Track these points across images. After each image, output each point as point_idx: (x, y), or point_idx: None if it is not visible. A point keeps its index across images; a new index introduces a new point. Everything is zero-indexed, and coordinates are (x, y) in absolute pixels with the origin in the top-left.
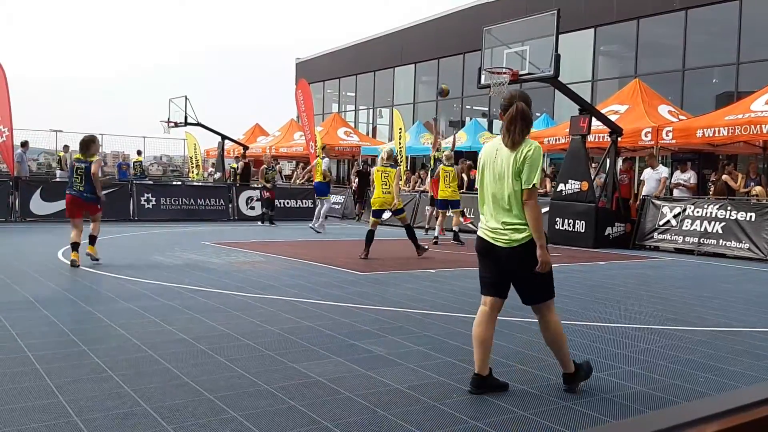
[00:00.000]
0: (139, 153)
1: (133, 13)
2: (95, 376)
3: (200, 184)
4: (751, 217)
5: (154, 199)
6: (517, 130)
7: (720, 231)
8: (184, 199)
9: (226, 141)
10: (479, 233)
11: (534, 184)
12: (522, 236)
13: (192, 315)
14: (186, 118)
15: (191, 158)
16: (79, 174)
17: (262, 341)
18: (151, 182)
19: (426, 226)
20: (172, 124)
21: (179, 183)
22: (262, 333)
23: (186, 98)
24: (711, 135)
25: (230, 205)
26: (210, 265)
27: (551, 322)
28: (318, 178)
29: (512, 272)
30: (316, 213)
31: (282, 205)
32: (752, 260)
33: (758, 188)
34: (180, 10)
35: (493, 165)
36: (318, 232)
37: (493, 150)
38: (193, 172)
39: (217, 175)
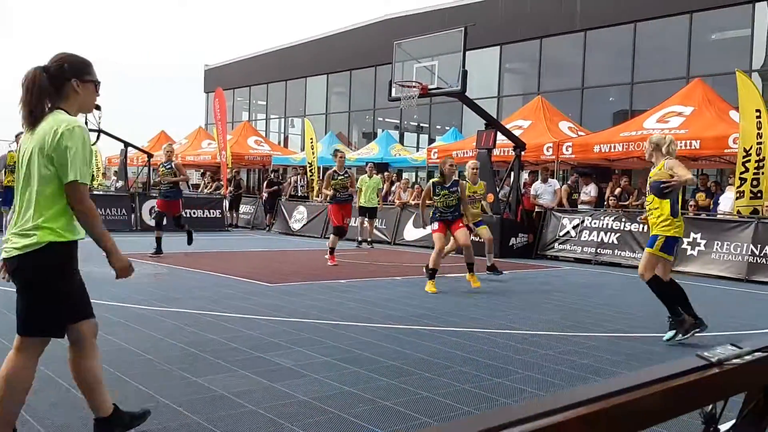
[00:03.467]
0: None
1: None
2: None
3: (102, 192)
4: (643, 228)
5: None
6: (29, 101)
7: (615, 241)
8: None
9: (130, 148)
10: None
11: (79, 180)
12: (30, 242)
13: None
14: (86, 124)
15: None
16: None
17: (163, 356)
18: None
19: (359, 239)
20: None
21: None
22: (164, 347)
23: None
24: (607, 150)
25: (133, 215)
26: (110, 277)
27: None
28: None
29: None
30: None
31: (188, 215)
32: None
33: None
34: (87, 8)
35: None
36: None
37: (28, 136)
38: (95, 180)
39: (119, 184)
